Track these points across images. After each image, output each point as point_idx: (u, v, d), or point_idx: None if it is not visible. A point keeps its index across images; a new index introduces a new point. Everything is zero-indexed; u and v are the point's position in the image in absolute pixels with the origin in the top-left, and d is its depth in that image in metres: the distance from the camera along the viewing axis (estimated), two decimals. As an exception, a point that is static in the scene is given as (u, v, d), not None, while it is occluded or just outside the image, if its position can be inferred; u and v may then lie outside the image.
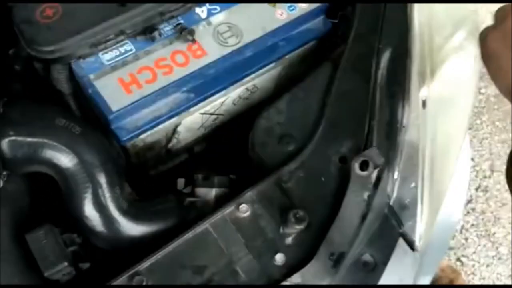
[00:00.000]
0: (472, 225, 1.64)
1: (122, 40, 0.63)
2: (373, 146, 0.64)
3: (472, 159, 1.77)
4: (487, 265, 1.60)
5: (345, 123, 0.66)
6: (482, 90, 1.86)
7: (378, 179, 0.63)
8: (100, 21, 0.59)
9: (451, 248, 1.60)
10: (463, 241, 1.63)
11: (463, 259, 1.60)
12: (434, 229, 0.79)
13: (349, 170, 0.62)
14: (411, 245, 0.70)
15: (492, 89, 1.84)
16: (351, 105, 0.67)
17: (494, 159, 1.69)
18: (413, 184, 0.69)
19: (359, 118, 0.66)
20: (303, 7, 0.71)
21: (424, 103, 0.69)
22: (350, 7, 0.74)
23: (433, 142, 0.71)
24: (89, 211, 0.58)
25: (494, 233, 1.65)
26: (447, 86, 0.73)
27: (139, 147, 0.67)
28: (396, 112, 0.67)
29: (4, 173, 0.57)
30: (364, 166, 0.62)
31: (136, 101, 0.61)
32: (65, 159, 0.57)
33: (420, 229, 0.71)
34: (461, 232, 1.64)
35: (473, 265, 1.60)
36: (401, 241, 0.68)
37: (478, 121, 1.82)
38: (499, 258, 1.62)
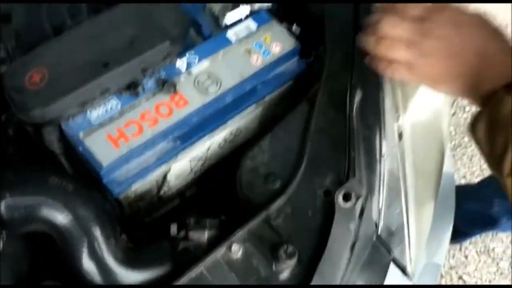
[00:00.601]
0: (471, 242, 1.66)
1: (107, 97, 0.67)
2: (354, 177, 0.67)
3: (464, 177, 1.80)
4: (490, 281, 1.61)
5: (326, 157, 0.69)
6: (467, 108, 1.90)
7: (362, 209, 0.66)
8: (85, 82, 0.63)
9: (451, 267, 1.61)
10: (463, 259, 1.64)
11: (465, 277, 1.61)
12: (424, 252, 0.81)
13: (334, 203, 0.65)
14: (403, 270, 0.72)
15: (476, 107, 1.88)
16: (330, 140, 0.70)
17: (485, 175, 1.71)
18: (398, 210, 0.71)
19: (339, 151, 0.69)
20: (277, 51, 0.75)
21: (400, 135, 0.72)
22: (322, 47, 0.78)
23: (413, 168, 0.74)
24: (86, 263, 0.61)
25: (493, 249, 1.66)
26: (420, 114, 0.77)
27: (131, 198, 0.70)
28: (374, 143, 0.70)
29: (3, 234, 0.60)
30: (347, 197, 0.65)
31: (125, 155, 0.64)
32: (60, 216, 0.60)
33: (410, 254, 0.73)
34: (460, 250, 1.65)
35: (476, 282, 1.60)
36: (392, 266, 0.70)
37: (466, 139, 1.85)
38: (501, 273, 1.62)
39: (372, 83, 0.72)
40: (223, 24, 0.78)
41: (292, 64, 0.78)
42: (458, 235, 1.51)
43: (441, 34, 0.61)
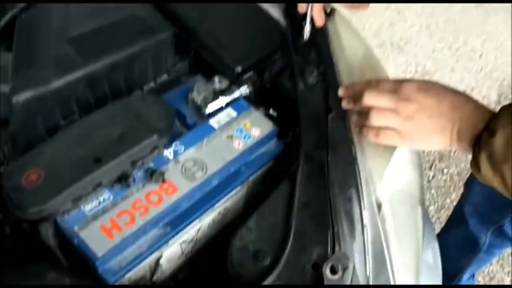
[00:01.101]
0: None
1: (100, 190, 0.71)
2: (339, 250, 0.70)
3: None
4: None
5: (311, 232, 0.73)
6: (445, 170, 1.97)
7: (350, 280, 0.69)
8: (79, 179, 0.67)
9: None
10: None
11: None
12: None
13: (323, 276, 0.67)
14: (395, 335, 0.74)
15: (454, 168, 1.96)
16: (313, 215, 0.74)
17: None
18: (385, 278, 0.74)
19: (323, 225, 0.73)
20: (257, 135, 0.81)
21: (379, 206, 0.77)
22: (298, 128, 0.85)
23: (395, 235, 0.78)
24: None
25: None
26: (394, 183, 0.82)
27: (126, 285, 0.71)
28: (355, 215, 0.74)
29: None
30: (334, 270, 0.68)
31: (118, 244, 0.67)
32: (57, 310, 0.61)
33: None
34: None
35: None
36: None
37: (448, 200, 1.90)
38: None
39: (347, 158, 0.78)
40: (206, 113, 0.85)
41: (271, 145, 0.84)
42: (451, 279, 1.52)
43: (416, 99, 0.70)
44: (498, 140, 0.62)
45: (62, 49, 0.78)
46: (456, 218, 1.44)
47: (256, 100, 0.92)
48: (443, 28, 2.70)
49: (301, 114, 0.84)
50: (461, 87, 2.39)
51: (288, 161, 0.84)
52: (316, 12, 0.87)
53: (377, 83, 0.75)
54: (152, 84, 0.90)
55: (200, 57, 0.95)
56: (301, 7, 0.87)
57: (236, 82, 0.89)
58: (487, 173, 0.65)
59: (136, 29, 0.83)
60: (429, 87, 0.72)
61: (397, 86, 0.73)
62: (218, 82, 0.89)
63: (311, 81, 0.87)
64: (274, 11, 1.01)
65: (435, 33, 2.68)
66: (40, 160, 0.69)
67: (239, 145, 0.80)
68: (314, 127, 0.83)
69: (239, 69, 0.91)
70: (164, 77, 0.91)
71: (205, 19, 0.96)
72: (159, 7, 0.97)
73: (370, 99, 0.73)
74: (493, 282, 1.76)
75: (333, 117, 0.83)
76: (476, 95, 2.36)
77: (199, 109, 0.86)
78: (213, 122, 0.82)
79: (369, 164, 0.79)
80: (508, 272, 1.78)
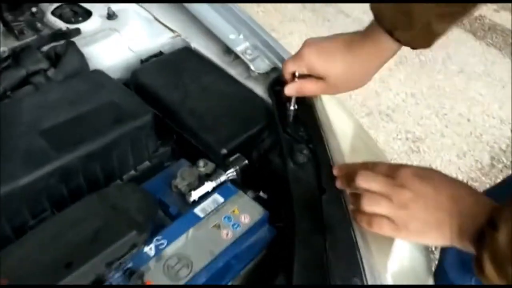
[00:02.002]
0: None
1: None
2: None
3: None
4: None
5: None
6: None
7: None
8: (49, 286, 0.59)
9: None
10: None
11: None
12: None
13: None
14: None
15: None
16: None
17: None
18: None
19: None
20: (246, 222, 0.75)
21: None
22: (291, 210, 0.78)
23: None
24: None
25: None
26: (399, 272, 0.75)
27: None
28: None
29: None
30: None
31: None
32: None
33: None
34: None
35: None
36: None
37: None
38: None
39: (347, 243, 0.71)
40: (190, 200, 0.78)
41: (263, 232, 0.77)
42: None
43: (412, 188, 0.64)
44: (502, 235, 0.55)
45: (33, 142, 0.72)
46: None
47: (245, 182, 0.87)
48: (428, 95, 2.73)
49: (293, 196, 0.78)
50: (453, 152, 2.38)
51: (282, 247, 0.77)
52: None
53: (373, 166, 0.70)
54: (132, 172, 0.84)
55: (183, 140, 0.90)
56: (288, 89, 0.84)
57: (222, 165, 0.84)
58: (491, 273, 0.56)
59: (113, 116, 0.78)
60: (427, 174, 0.66)
61: (393, 171, 0.67)
62: (203, 166, 0.83)
63: (301, 160, 0.82)
64: (258, 88, 0.98)
65: (421, 100, 2.70)
66: (4, 267, 0.61)
67: (227, 235, 0.73)
68: (308, 209, 0.76)
69: (224, 151, 0.86)
70: (146, 164, 0.85)
71: (187, 100, 0.92)
72: (139, 90, 0.94)
73: (363, 181, 0.67)
74: None
75: (328, 199, 0.77)
76: (469, 159, 2.33)
77: (183, 197, 0.80)
78: (199, 210, 0.76)
79: (372, 247, 0.72)
80: None
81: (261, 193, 0.86)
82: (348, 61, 0.80)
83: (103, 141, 0.75)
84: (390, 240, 0.73)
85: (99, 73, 0.85)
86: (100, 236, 0.66)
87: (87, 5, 1.04)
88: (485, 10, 3.39)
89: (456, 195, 0.63)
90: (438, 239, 0.64)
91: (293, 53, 0.85)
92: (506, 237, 0.54)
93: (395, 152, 2.36)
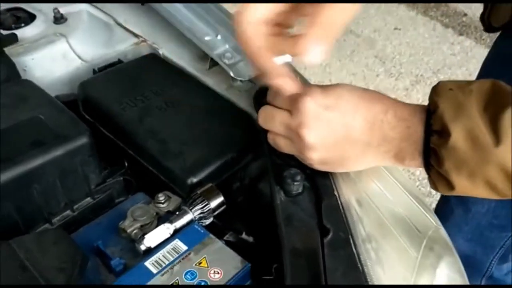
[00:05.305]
0: None
1: None
2: None
3: None
4: None
5: None
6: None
7: None
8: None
9: None
10: None
11: None
12: None
13: None
14: None
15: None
16: None
17: None
18: None
19: None
20: (216, 279, 0.53)
21: None
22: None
23: None
24: None
25: None
26: None
27: None
28: None
29: None
30: None
31: None
32: None
33: None
34: None
35: None
36: None
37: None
38: None
39: None
40: (142, 249, 0.57)
41: (244, 292, 0.55)
42: None
43: (315, 124, 0.56)
44: (459, 138, 0.48)
45: None
46: None
47: (223, 222, 0.65)
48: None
49: (284, 240, 0.56)
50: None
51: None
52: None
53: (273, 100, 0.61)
54: (68, 213, 0.62)
55: (141, 169, 0.69)
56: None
57: (189, 199, 0.62)
58: (465, 186, 0.50)
59: (33, 137, 0.57)
60: (333, 102, 0.56)
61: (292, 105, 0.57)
62: (163, 202, 0.62)
63: (294, 190, 0.61)
64: (242, 100, 0.77)
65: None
66: None
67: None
68: (305, 258, 0.54)
69: (193, 180, 0.64)
70: (87, 201, 0.64)
71: (147, 118, 0.71)
72: (87, 106, 0.74)
73: (262, 122, 0.61)
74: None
75: (332, 242, 0.55)
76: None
77: (133, 243, 0.58)
78: (150, 263, 0.54)
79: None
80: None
81: (244, 235, 0.64)
82: None
83: (15, 172, 0.54)
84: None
85: (25, 83, 0.66)
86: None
87: (33, 8, 0.85)
88: None
89: (372, 119, 0.54)
90: (358, 167, 0.60)
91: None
92: (463, 136, 0.48)
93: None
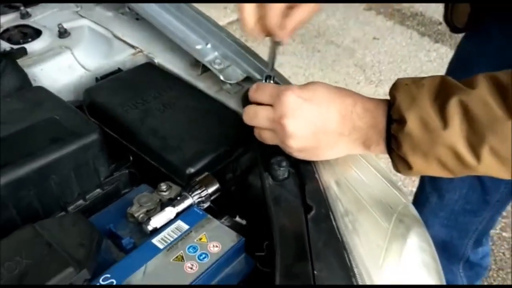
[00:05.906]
0: None
1: None
2: None
3: None
4: None
5: None
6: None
7: None
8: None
9: None
10: None
11: None
12: None
13: None
14: None
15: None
16: None
17: None
18: None
19: None
20: (215, 251, 0.61)
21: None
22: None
23: None
24: None
25: None
26: None
27: None
28: None
29: None
30: None
31: None
32: None
33: None
34: None
35: None
36: None
37: None
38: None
39: (340, 270, 0.57)
40: (148, 230, 0.65)
41: (238, 264, 0.63)
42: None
43: (295, 114, 0.63)
44: (413, 124, 0.56)
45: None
46: None
47: (219, 207, 0.73)
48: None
49: (273, 218, 0.65)
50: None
51: (264, 281, 0.62)
52: None
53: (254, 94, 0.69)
54: (81, 202, 0.70)
55: (144, 163, 0.77)
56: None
57: (188, 187, 0.70)
58: (420, 165, 0.58)
59: (51, 134, 0.65)
60: (310, 96, 0.64)
61: (273, 100, 0.66)
62: (165, 190, 0.70)
63: (281, 175, 0.69)
64: (231, 101, 0.86)
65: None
66: None
67: (192, 268, 0.59)
68: (291, 233, 0.63)
69: (190, 170, 0.73)
70: (97, 191, 0.72)
71: (147, 119, 0.80)
72: (93, 110, 0.82)
73: (247, 118, 0.69)
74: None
75: (315, 217, 0.64)
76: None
77: (141, 227, 0.66)
78: (157, 241, 0.62)
79: (370, 271, 0.58)
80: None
81: (238, 219, 0.72)
82: None
83: (36, 165, 0.62)
84: (394, 255, 0.59)
85: (38, 90, 0.74)
86: (27, 278, 0.52)
87: (38, 25, 0.94)
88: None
89: (343, 112, 0.63)
90: (332, 155, 0.68)
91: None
92: (417, 123, 0.55)
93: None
